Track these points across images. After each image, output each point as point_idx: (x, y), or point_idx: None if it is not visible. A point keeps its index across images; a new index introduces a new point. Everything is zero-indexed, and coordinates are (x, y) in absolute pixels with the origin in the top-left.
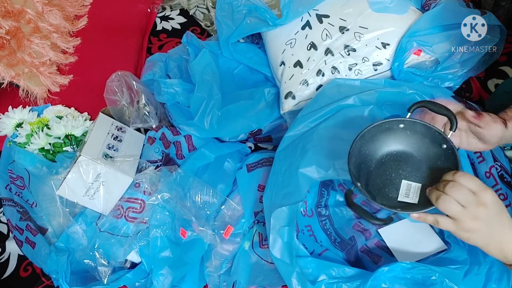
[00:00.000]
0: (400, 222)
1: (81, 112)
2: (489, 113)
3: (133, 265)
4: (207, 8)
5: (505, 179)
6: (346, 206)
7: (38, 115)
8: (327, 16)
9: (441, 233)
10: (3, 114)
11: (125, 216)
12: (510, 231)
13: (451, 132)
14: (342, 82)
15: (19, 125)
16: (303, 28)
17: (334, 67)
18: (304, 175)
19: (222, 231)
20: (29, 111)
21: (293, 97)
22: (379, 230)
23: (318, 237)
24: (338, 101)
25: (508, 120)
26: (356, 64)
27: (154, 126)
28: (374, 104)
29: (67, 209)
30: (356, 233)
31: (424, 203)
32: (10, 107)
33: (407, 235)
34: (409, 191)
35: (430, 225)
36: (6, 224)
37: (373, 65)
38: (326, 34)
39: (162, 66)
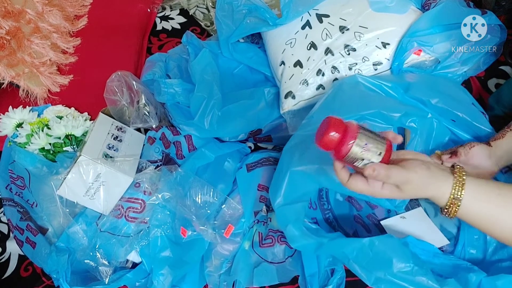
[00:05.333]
0: (403, 215)
1: (81, 112)
2: (464, 144)
3: (134, 265)
4: (207, 8)
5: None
6: (346, 201)
7: (38, 115)
8: (327, 16)
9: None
10: (3, 114)
11: (125, 216)
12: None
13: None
14: (362, 81)
15: (19, 125)
16: (303, 27)
17: (334, 67)
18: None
19: (222, 230)
20: (29, 111)
21: (293, 97)
22: (382, 223)
23: (324, 230)
24: (358, 109)
25: (491, 140)
26: (356, 63)
27: (154, 126)
28: (394, 126)
29: (67, 209)
30: (358, 226)
31: None
32: (10, 107)
33: (409, 229)
34: None
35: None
36: (7, 224)
37: (373, 64)
38: (326, 34)
39: (162, 66)
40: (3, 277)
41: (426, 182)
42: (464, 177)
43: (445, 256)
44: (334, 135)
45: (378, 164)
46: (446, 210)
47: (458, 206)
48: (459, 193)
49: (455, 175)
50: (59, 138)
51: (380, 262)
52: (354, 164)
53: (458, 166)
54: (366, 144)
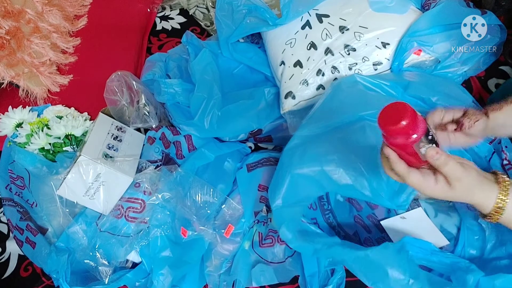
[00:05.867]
0: (403, 215)
1: (81, 112)
2: (469, 115)
3: (134, 265)
4: (207, 8)
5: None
6: (346, 201)
7: (38, 115)
8: (327, 16)
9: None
10: (3, 114)
11: (125, 216)
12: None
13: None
14: (361, 81)
15: (19, 125)
16: (303, 27)
17: (334, 67)
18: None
19: (222, 230)
20: (29, 111)
21: (293, 97)
22: (382, 223)
23: (324, 230)
24: (357, 109)
25: (490, 110)
26: (356, 63)
27: (154, 126)
28: None
29: (67, 209)
30: (358, 227)
31: None
32: (10, 107)
33: (409, 230)
34: None
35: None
36: (7, 224)
37: (373, 64)
38: (326, 34)
39: (162, 66)
40: (3, 277)
41: (476, 186)
42: (508, 186)
43: (442, 254)
44: (407, 123)
45: (439, 149)
46: (489, 217)
47: (501, 214)
48: (503, 203)
49: (500, 184)
50: (59, 138)
51: (376, 274)
52: (419, 150)
53: (502, 176)
54: (432, 132)
